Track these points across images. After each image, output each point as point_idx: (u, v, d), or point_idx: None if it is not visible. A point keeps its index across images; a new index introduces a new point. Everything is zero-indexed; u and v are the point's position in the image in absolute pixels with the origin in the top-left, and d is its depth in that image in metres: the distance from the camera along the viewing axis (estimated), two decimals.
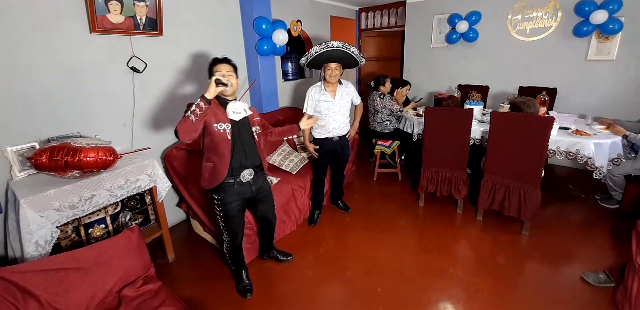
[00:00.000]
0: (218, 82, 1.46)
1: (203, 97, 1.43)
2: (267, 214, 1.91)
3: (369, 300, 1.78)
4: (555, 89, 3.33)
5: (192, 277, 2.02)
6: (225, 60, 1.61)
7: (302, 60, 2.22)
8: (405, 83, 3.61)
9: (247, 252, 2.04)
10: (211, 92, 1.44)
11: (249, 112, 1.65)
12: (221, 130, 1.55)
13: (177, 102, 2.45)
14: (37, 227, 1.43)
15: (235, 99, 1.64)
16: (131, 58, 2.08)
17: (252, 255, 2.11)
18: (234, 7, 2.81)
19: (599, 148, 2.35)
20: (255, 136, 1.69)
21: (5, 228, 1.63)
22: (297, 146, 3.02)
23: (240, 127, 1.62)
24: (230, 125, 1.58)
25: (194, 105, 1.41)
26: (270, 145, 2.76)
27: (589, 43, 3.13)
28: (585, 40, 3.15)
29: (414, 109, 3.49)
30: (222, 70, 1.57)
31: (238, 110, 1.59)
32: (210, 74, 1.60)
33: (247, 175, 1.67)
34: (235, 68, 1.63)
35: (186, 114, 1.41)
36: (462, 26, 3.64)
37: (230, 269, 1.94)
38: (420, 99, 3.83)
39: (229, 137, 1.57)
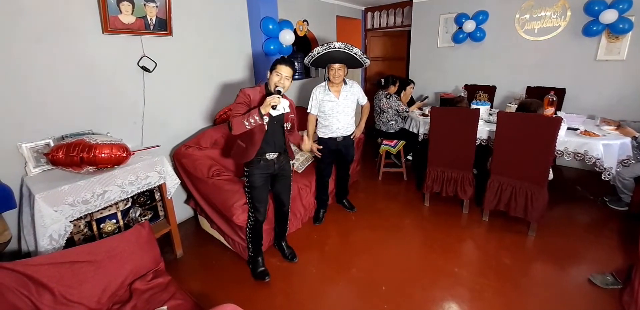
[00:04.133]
0: (275, 103, 1.56)
1: (259, 111, 1.57)
2: (281, 193, 1.99)
3: (374, 298, 1.79)
4: (564, 89, 3.30)
5: (200, 272, 2.05)
6: (289, 63, 1.67)
7: (305, 60, 2.26)
8: (409, 82, 3.60)
9: (266, 234, 2.07)
10: (265, 110, 1.57)
11: (287, 110, 1.71)
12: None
13: (186, 100, 2.49)
14: (52, 222, 1.47)
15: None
16: (142, 58, 2.12)
17: (268, 243, 2.15)
18: (242, 7, 2.84)
19: (607, 149, 2.33)
20: (286, 131, 1.84)
21: (20, 222, 1.68)
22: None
23: (276, 121, 1.77)
24: (267, 118, 1.66)
25: (250, 117, 1.57)
26: None
27: (599, 43, 3.10)
28: (595, 39, 3.11)
29: (420, 108, 3.49)
30: (283, 73, 1.66)
31: (279, 107, 1.66)
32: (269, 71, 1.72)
33: (272, 155, 1.84)
34: (294, 71, 1.72)
35: (245, 118, 1.58)
36: (469, 26, 3.62)
37: (248, 257, 2.01)
38: (425, 98, 3.81)
39: (265, 129, 1.73)
